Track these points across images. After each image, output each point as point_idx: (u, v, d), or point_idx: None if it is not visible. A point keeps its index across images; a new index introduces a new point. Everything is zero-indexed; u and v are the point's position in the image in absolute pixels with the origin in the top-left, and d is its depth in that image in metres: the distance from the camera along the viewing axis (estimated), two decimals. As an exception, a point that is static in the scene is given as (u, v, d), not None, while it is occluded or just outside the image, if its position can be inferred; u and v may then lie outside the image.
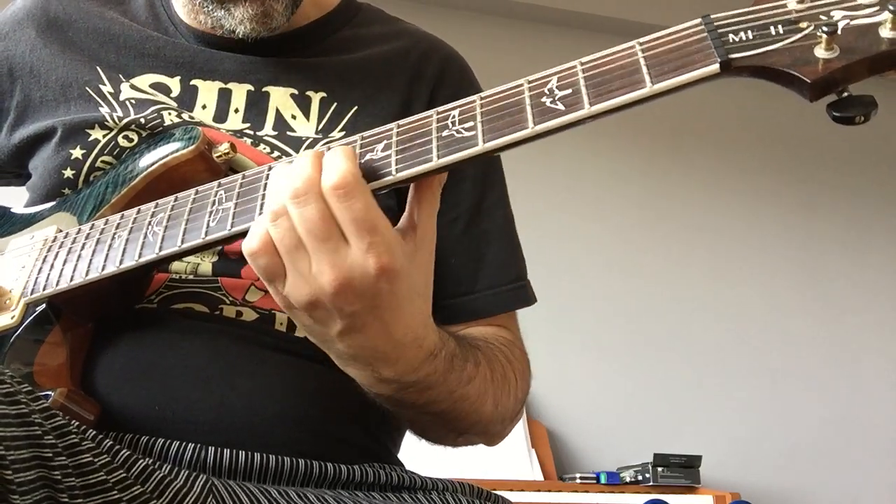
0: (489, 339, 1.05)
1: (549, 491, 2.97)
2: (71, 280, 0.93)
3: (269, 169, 0.86)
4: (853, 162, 4.28)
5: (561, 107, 0.73)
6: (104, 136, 1.06)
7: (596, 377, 3.61)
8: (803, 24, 0.67)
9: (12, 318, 0.94)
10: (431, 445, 1.06)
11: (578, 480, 3.11)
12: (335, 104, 1.11)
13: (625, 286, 3.79)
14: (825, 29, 0.65)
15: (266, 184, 0.85)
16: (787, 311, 4.00)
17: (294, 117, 1.09)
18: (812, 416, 3.87)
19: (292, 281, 0.77)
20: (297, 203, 0.75)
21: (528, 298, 1.15)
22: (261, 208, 0.84)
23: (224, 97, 1.10)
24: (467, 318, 1.08)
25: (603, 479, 3.10)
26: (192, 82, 1.11)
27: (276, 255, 0.77)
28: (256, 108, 1.10)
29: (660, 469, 3.09)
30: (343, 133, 1.08)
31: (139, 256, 0.89)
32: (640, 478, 3.12)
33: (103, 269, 0.91)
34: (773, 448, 3.77)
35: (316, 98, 1.11)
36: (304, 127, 1.09)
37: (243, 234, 0.86)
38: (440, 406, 0.91)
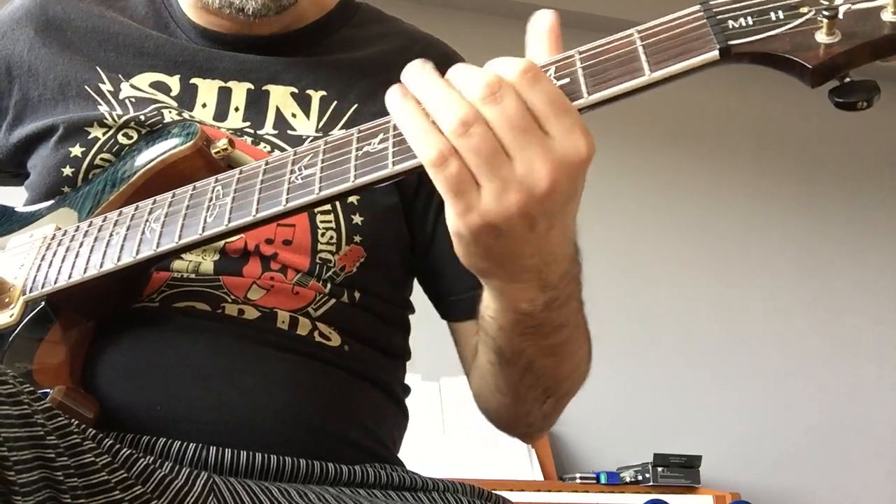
0: None
1: (549, 491, 2.96)
2: (69, 278, 0.93)
3: (266, 164, 0.86)
4: (854, 163, 4.28)
5: None
6: (104, 134, 1.06)
7: (596, 377, 3.57)
8: (804, 10, 0.66)
9: (11, 316, 0.94)
10: (506, 433, 1.06)
11: (578, 480, 3.10)
12: (335, 102, 1.11)
13: (625, 286, 3.78)
14: (826, 13, 0.64)
15: (263, 178, 0.85)
16: (787, 311, 4.00)
17: (294, 115, 1.09)
18: (812, 416, 3.87)
19: (493, 191, 0.68)
20: (494, 100, 0.68)
21: None
22: (258, 203, 0.83)
23: (224, 96, 1.10)
24: None
25: (603, 479, 3.10)
26: (192, 81, 1.11)
27: (467, 165, 0.69)
28: (256, 106, 1.10)
29: (660, 469, 3.09)
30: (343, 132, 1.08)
31: (137, 253, 0.89)
32: (640, 478, 3.12)
33: (101, 267, 0.91)
34: (773, 448, 3.77)
35: (316, 96, 1.11)
36: (305, 125, 1.09)
37: (241, 230, 0.86)
38: (565, 333, 0.87)
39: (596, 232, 3.80)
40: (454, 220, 0.71)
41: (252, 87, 1.11)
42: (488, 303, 0.84)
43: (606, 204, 3.87)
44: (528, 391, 0.96)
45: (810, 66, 0.66)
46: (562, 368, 0.94)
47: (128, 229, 0.92)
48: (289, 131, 1.08)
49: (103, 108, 1.07)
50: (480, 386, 1.02)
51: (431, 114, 0.70)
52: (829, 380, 3.95)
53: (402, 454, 1.12)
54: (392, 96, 0.73)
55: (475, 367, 1.02)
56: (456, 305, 1.12)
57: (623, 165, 3.94)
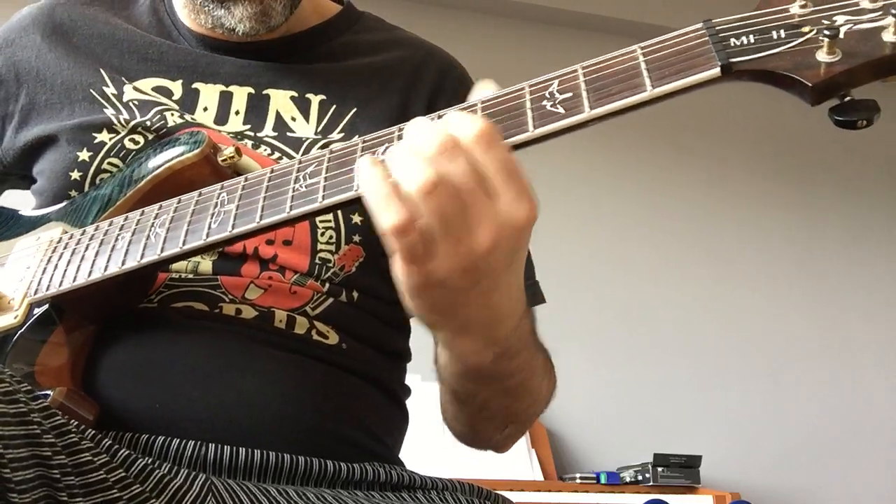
0: None
1: (549, 491, 2.97)
2: (74, 281, 0.93)
3: (272, 172, 0.87)
4: (853, 163, 4.29)
5: (561, 110, 0.73)
6: (111, 139, 1.07)
7: (596, 377, 3.60)
8: (805, 29, 0.67)
9: (15, 317, 0.94)
10: (473, 448, 1.08)
11: (578, 480, 3.11)
12: (334, 106, 1.12)
13: (625, 286, 3.79)
14: (827, 33, 0.65)
15: (268, 186, 0.85)
16: (787, 311, 4.00)
17: (294, 119, 1.10)
18: (812, 416, 3.87)
19: (444, 250, 0.71)
20: (449, 158, 0.69)
21: (539, 297, 1.16)
22: (262, 210, 0.84)
23: (225, 100, 1.11)
24: None
25: (603, 479, 3.11)
26: (194, 85, 1.12)
27: (424, 229, 0.71)
28: (257, 110, 1.11)
29: (660, 469, 3.10)
30: (342, 134, 1.09)
31: (141, 257, 0.90)
32: (640, 478, 3.13)
33: (106, 270, 0.92)
34: (773, 448, 3.78)
35: (315, 100, 1.12)
36: (304, 128, 1.10)
37: (244, 236, 0.86)
38: (518, 378, 0.90)
39: (596, 232, 3.82)
40: (406, 279, 0.74)
41: (253, 91, 1.12)
42: (440, 352, 0.87)
43: (606, 204, 3.87)
44: (485, 423, 1.01)
45: (810, 85, 0.66)
46: (518, 405, 0.97)
47: (133, 234, 0.92)
48: (288, 133, 1.09)
49: (109, 112, 1.08)
50: (442, 411, 1.04)
51: (396, 178, 0.71)
52: (829, 380, 3.96)
53: (402, 454, 1.12)
54: (361, 164, 0.75)
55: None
56: None
57: (623, 166, 3.94)
